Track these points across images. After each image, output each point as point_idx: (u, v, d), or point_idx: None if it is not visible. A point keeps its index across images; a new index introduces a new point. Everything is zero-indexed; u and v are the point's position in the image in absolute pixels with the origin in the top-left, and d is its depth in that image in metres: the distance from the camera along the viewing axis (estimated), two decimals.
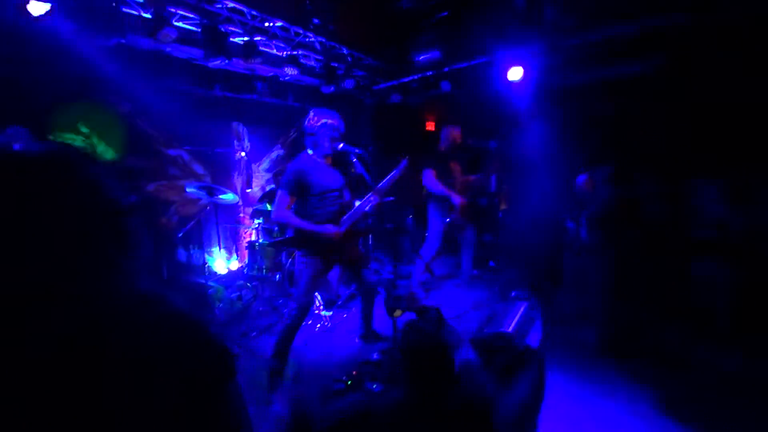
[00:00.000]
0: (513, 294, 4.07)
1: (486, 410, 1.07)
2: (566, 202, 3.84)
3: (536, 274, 4.13)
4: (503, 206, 5.41)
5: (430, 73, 4.84)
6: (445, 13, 4.40)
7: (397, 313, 1.86)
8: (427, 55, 4.78)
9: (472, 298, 4.15)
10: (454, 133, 4.11)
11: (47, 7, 2.32)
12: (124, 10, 3.12)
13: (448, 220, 4.11)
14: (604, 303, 3.28)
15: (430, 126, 6.24)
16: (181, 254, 4.39)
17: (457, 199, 3.94)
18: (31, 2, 2.26)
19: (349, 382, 2.67)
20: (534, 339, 3.03)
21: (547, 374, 2.73)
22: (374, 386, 2.59)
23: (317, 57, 4.68)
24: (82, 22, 2.80)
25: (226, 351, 0.66)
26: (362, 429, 1.49)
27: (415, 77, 4.99)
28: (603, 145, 3.83)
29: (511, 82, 4.35)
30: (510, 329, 2.72)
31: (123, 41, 3.21)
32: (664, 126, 3.78)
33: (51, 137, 3.24)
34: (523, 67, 4.19)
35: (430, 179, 3.98)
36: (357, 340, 3.22)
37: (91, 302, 0.57)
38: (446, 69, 4.68)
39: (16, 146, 0.59)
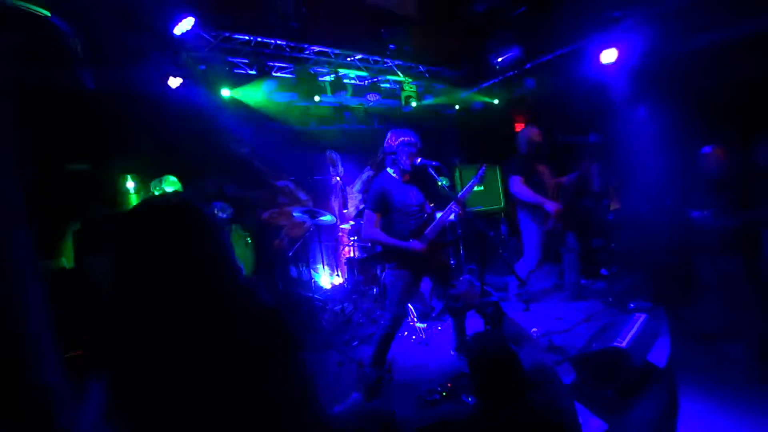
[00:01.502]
0: (631, 305, 3.55)
1: (560, 420, 0.98)
2: (690, 188, 3.19)
3: (662, 281, 3.53)
4: (613, 206, 4.77)
5: (512, 73, 4.64)
6: (523, 8, 4.20)
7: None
8: (507, 55, 4.59)
9: (580, 312, 3.72)
10: (531, 132, 3.74)
11: (180, 80, 3.02)
12: (236, 71, 3.81)
13: (545, 228, 3.77)
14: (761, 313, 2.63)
15: (520, 127, 5.92)
16: (293, 271, 4.99)
17: (550, 206, 3.57)
18: (170, 79, 2.98)
19: (444, 394, 2.66)
20: (659, 357, 2.59)
21: (681, 399, 2.32)
22: (469, 399, 2.54)
23: (396, 79, 4.93)
24: (205, 86, 3.53)
25: (291, 331, 0.92)
26: None
27: (496, 80, 4.83)
28: (724, 118, 3.11)
29: (605, 66, 3.88)
30: (624, 344, 2.39)
31: (237, 96, 3.91)
32: None
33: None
34: (617, 48, 3.72)
35: (517, 186, 3.68)
36: (452, 353, 3.19)
37: (222, 282, 0.88)
38: (528, 65, 4.43)
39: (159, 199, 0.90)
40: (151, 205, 0.90)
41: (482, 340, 1.19)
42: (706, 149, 3.01)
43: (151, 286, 0.82)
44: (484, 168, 2.75)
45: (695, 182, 3.13)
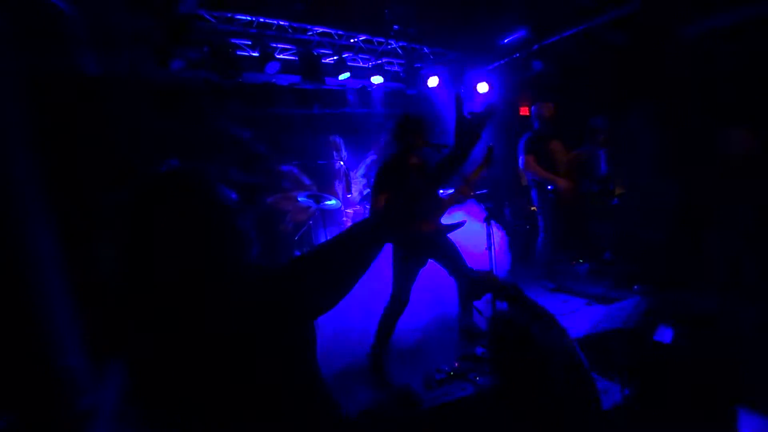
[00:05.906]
0: (635, 288, 3.60)
1: (582, 397, 1.01)
2: (711, 173, 3.13)
3: (664, 267, 3.55)
4: (619, 191, 4.76)
5: (518, 54, 4.56)
6: None
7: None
8: (514, 36, 4.50)
9: (583, 295, 3.78)
10: (544, 108, 3.76)
11: (182, 63, 2.97)
12: (239, 53, 3.74)
13: (558, 206, 3.78)
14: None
15: (524, 111, 5.85)
16: (297, 256, 5.01)
17: (561, 184, 3.62)
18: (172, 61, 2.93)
19: (451, 373, 2.72)
20: (665, 337, 2.64)
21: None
22: (477, 378, 2.59)
23: (400, 62, 4.84)
24: (208, 69, 3.47)
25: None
26: (462, 414, 1.53)
27: (501, 62, 4.74)
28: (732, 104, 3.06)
29: (614, 48, 3.81)
30: (630, 325, 2.43)
31: (240, 79, 3.85)
32: None
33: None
34: (626, 29, 3.63)
35: (528, 165, 3.72)
36: (458, 333, 3.24)
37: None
38: (535, 47, 4.34)
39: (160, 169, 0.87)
40: (154, 176, 0.85)
41: (502, 319, 1.21)
42: (735, 133, 2.92)
43: (159, 262, 0.78)
44: (485, 153, 2.76)
45: (717, 167, 3.05)
